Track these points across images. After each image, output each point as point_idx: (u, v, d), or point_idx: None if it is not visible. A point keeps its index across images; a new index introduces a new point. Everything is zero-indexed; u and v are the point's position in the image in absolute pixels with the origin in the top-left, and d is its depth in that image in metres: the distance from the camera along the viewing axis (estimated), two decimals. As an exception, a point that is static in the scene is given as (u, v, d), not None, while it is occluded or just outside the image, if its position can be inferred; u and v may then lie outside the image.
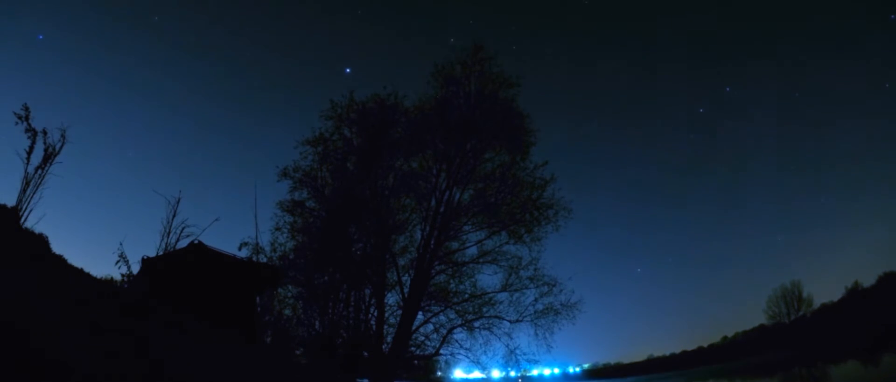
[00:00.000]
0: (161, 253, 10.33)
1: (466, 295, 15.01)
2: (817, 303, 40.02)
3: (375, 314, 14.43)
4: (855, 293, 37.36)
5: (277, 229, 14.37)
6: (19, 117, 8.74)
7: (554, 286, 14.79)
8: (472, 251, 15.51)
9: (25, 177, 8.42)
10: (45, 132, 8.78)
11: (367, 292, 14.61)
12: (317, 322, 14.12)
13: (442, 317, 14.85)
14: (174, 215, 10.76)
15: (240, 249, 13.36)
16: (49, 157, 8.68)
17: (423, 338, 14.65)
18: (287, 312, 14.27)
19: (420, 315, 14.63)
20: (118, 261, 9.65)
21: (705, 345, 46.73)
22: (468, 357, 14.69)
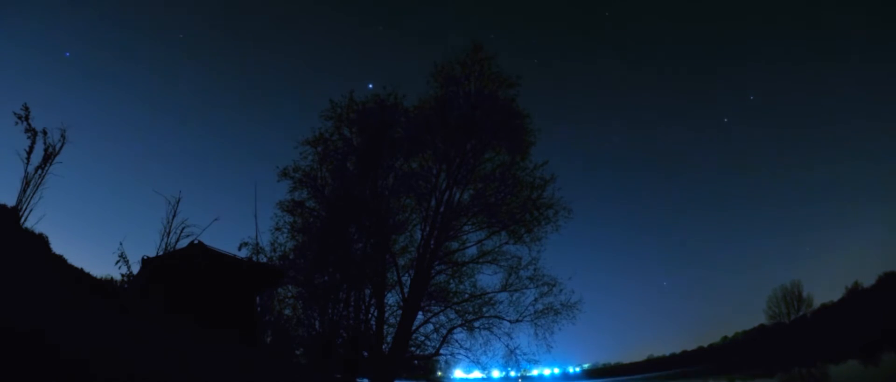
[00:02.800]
0: (161, 253, 10.32)
1: (466, 295, 15.03)
2: (817, 303, 40.04)
3: (375, 314, 14.43)
4: (855, 293, 37.34)
5: (277, 229, 14.40)
6: (19, 117, 8.73)
7: (554, 286, 14.83)
8: (472, 250, 15.56)
9: (25, 177, 8.41)
10: (45, 132, 8.77)
11: (367, 292, 14.61)
12: (317, 322, 14.13)
13: (442, 317, 14.88)
14: (174, 215, 10.76)
15: (240, 249, 13.38)
16: (49, 157, 8.67)
17: (423, 338, 14.67)
18: (287, 312, 14.30)
19: (420, 315, 14.65)
20: (118, 261, 9.65)
21: (705, 345, 46.77)
22: (468, 357, 14.71)
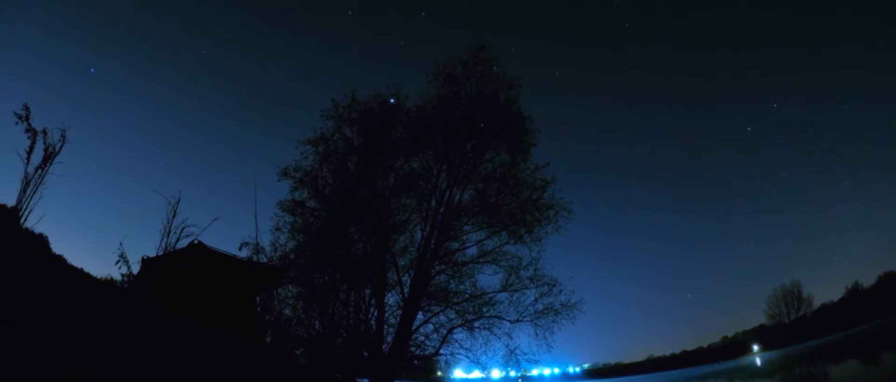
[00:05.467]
0: (161, 253, 10.32)
1: (466, 295, 15.02)
2: (817, 303, 40.03)
3: (375, 314, 14.44)
4: (855, 293, 37.33)
5: (278, 229, 14.40)
6: (19, 117, 8.73)
7: (554, 286, 14.81)
8: (473, 251, 15.54)
9: (25, 177, 8.41)
10: (45, 132, 8.77)
11: (367, 292, 14.61)
12: (317, 322, 14.13)
13: (442, 317, 14.87)
14: (174, 215, 10.76)
15: (240, 249, 13.38)
16: (49, 157, 8.67)
17: (423, 338, 14.66)
18: (287, 312, 14.30)
19: (420, 315, 14.64)
20: (118, 261, 9.64)
21: (705, 345, 46.80)
22: (468, 357, 14.71)
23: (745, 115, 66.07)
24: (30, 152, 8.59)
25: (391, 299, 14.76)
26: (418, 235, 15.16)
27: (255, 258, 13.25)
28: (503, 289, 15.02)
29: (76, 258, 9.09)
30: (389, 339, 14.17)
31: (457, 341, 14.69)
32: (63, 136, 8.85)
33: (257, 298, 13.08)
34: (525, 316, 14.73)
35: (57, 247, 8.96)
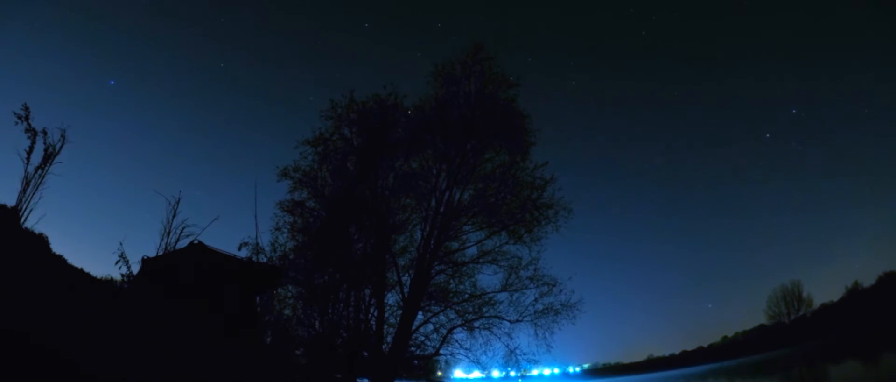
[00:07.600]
0: (161, 253, 10.33)
1: (466, 295, 14.99)
2: (817, 303, 40.08)
3: (375, 314, 14.43)
4: (855, 293, 37.37)
5: (277, 229, 14.37)
6: (19, 117, 8.74)
7: (554, 286, 14.77)
8: (472, 250, 15.49)
9: (25, 177, 8.43)
10: (45, 132, 8.79)
11: (367, 292, 14.60)
12: (317, 322, 14.12)
13: (442, 317, 14.84)
14: (174, 215, 10.78)
15: (240, 249, 13.35)
16: (49, 157, 8.69)
17: (423, 338, 14.64)
18: (287, 312, 14.29)
19: (420, 315, 14.62)
20: (118, 261, 9.64)
21: (705, 345, 46.85)
22: (468, 357, 14.68)
23: (764, 121, 66.10)
24: (30, 152, 8.61)
25: (391, 299, 14.76)
26: (418, 235, 15.15)
27: (254, 258, 13.25)
28: (503, 289, 15.01)
29: (76, 258, 9.12)
30: (389, 339, 14.16)
31: (457, 341, 14.68)
32: (63, 136, 8.88)
33: (257, 298, 13.10)
34: (525, 316, 14.71)
35: (57, 247, 8.99)
